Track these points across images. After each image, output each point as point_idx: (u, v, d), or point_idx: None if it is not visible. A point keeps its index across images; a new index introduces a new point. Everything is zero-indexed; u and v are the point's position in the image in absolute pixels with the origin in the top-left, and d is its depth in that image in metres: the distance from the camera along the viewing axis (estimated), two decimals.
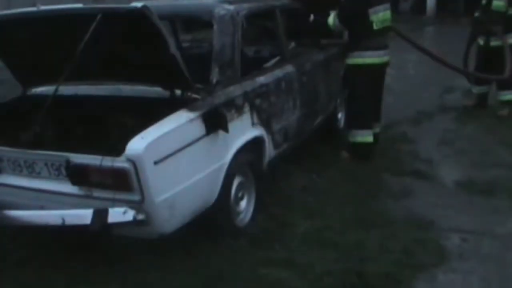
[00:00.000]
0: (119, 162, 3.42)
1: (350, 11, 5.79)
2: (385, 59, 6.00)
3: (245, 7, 4.81)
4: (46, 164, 3.79)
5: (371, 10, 5.73)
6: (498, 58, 7.30)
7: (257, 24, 5.76)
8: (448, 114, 7.92)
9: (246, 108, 4.48)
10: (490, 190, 5.25)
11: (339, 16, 5.83)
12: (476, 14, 7.74)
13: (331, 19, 5.89)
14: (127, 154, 3.40)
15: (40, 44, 4.22)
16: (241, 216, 4.60)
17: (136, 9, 3.48)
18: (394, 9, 19.86)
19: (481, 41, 7.58)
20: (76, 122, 4.43)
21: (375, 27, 5.78)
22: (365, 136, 6.01)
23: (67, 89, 4.34)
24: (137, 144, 3.42)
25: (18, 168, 3.94)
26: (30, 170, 3.89)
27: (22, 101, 4.75)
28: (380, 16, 5.81)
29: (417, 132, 7.13)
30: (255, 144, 4.66)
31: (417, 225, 4.58)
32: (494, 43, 7.38)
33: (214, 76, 4.28)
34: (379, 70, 6.04)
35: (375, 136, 6.23)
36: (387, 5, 5.92)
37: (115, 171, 3.45)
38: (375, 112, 6.25)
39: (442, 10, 20.00)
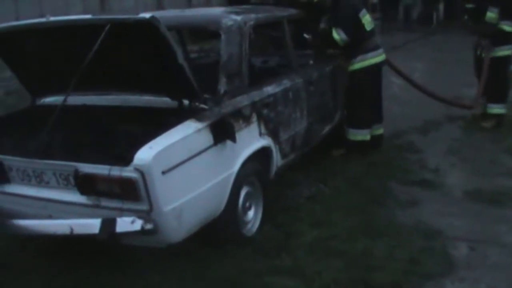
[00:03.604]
0: (127, 172, 3.44)
1: (351, 22, 6.12)
2: (383, 56, 6.48)
3: (252, 17, 4.83)
4: (54, 174, 3.82)
5: (360, 14, 6.22)
6: (491, 70, 7.33)
7: (265, 34, 5.78)
8: (455, 123, 7.90)
9: (254, 118, 4.50)
10: (498, 199, 5.23)
11: (345, 30, 6.04)
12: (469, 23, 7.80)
13: (336, 35, 6.06)
14: (135, 164, 3.42)
15: (49, 55, 4.26)
16: (249, 226, 4.61)
17: (144, 20, 3.51)
18: (407, 19, 19.80)
19: (478, 51, 7.59)
20: (85, 132, 4.46)
21: (367, 28, 6.25)
22: (366, 135, 6.40)
23: (76, 99, 4.38)
24: (145, 154, 3.44)
25: (27, 178, 3.97)
26: (39, 180, 3.91)
27: (31, 111, 4.79)
28: (367, 17, 6.31)
29: (425, 141, 7.12)
30: (262, 154, 4.68)
31: (424, 234, 4.57)
32: (484, 54, 7.38)
33: (222, 86, 4.30)
34: (380, 68, 6.48)
35: (380, 137, 6.72)
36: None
37: (123, 180, 3.47)
38: (378, 113, 6.64)
39: (449, 18, 20.02)
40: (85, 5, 20.85)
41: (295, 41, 5.62)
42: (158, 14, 4.43)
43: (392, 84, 7.65)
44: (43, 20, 3.95)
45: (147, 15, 3.50)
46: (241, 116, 4.33)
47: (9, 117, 4.78)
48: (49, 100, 4.76)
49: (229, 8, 5.20)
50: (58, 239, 4.10)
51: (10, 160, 4.00)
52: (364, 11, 6.29)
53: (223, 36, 4.49)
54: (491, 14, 7.08)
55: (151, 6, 21.85)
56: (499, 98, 7.44)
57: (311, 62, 5.91)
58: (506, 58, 7.39)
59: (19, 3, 19.41)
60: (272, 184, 5.03)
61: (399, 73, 7.19)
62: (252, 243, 4.47)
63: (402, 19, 21.09)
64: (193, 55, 6.64)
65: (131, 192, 3.49)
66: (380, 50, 6.40)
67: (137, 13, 3.61)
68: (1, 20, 4.38)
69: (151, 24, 3.53)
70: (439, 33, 19.00)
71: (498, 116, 7.55)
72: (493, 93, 7.40)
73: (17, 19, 4.01)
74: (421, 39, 17.64)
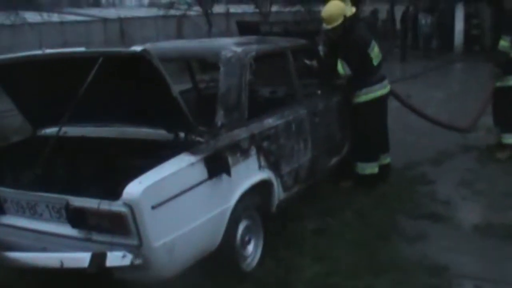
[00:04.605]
0: (116, 206, 3.40)
1: (359, 58, 6.08)
2: (388, 87, 6.45)
3: (253, 49, 4.80)
4: (47, 206, 3.81)
5: (369, 49, 6.18)
6: (502, 99, 7.31)
7: (267, 65, 5.72)
8: (470, 153, 7.74)
9: (253, 151, 4.43)
10: (509, 235, 5.06)
11: (350, 65, 6.01)
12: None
13: (341, 69, 6.03)
14: (124, 198, 3.38)
15: (47, 86, 4.28)
16: (248, 260, 4.52)
17: (135, 53, 3.50)
18: (426, 47, 19.52)
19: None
20: (80, 164, 4.44)
21: (375, 63, 6.22)
22: (374, 168, 6.32)
23: (76, 130, 4.39)
24: (134, 189, 3.41)
25: (21, 210, 3.98)
26: (32, 212, 3.91)
27: (30, 142, 4.79)
28: (375, 51, 6.25)
29: (437, 172, 6.96)
30: (262, 187, 4.60)
31: (430, 271, 4.45)
32: (498, 83, 7.29)
33: (219, 119, 4.26)
34: (385, 100, 6.43)
35: (387, 166, 6.64)
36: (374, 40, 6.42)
37: (112, 215, 3.44)
38: (384, 143, 6.58)
39: (469, 46, 19.92)
40: (107, 35, 21.22)
41: (301, 71, 5.56)
42: (160, 45, 4.43)
43: (406, 113, 7.53)
44: (39, 52, 3.97)
45: (138, 48, 3.49)
46: (238, 149, 4.26)
47: (8, 148, 4.79)
48: (49, 131, 4.75)
49: (233, 39, 5.18)
50: None
51: (5, 192, 4.01)
52: (373, 44, 6.22)
53: (222, 68, 4.46)
54: (504, 43, 6.99)
55: (173, 36, 22.15)
56: None
57: (318, 92, 5.83)
58: None
59: (43, 32, 19.83)
60: (275, 217, 4.93)
61: (402, 102, 7.20)
62: (253, 278, 4.37)
63: (421, 47, 21.01)
64: (202, 85, 6.58)
65: (120, 226, 3.45)
66: (385, 82, 6.35)
67: (143, 44, 3.60)
68: (26, 49, 4.43)
69: (142, 57, 3.50)
70: (458, 62, 18.89)
71: None
72: (508, 123, 7.26)
73: (40, 47, 4.11)
74: (441, 68, 17.54)
